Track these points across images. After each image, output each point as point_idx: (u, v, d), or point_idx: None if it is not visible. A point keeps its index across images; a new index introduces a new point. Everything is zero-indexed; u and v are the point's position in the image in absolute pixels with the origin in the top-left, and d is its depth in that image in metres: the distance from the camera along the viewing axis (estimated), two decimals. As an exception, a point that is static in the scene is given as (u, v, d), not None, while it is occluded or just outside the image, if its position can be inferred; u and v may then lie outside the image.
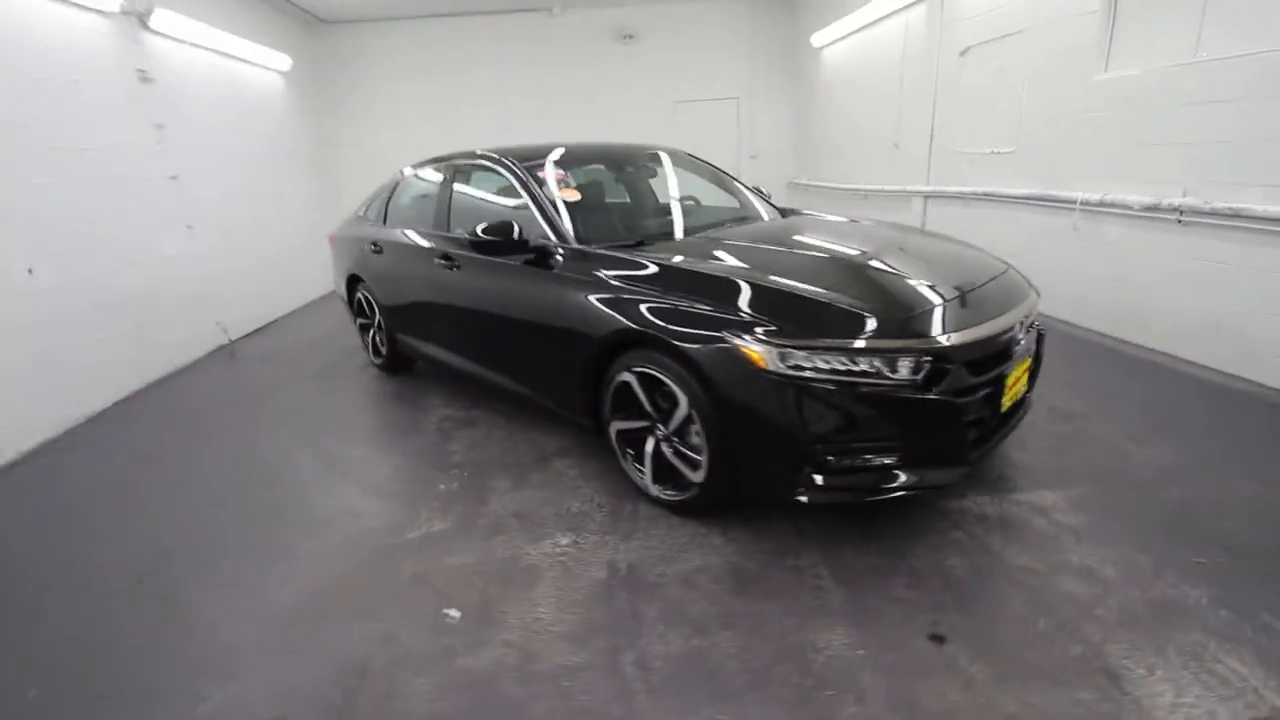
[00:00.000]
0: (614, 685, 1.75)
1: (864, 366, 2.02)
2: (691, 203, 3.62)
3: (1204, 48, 3.49)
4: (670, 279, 2.45)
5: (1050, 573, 2.08)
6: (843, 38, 7.75)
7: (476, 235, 2.91)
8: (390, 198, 4.30)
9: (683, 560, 2.26)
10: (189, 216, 5.37)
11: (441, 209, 3.66)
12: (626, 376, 2.50)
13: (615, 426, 2.66)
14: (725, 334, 2.14)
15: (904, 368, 2.02)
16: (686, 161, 3.88)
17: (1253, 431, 2.92)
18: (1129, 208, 3.93)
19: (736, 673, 1.77)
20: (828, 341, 2.03)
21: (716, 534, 2.40)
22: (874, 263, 2.53)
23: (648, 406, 2.47)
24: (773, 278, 2.31)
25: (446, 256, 3.44)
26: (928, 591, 2.03)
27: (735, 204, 3.66)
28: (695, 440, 2.36)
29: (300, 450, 3.44)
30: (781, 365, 2.04)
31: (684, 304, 2.30)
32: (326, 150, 8.79)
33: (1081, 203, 4.27)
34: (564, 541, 2.43)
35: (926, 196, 6.25)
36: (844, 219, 3.51)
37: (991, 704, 1.62)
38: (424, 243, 3.69)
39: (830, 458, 2.07)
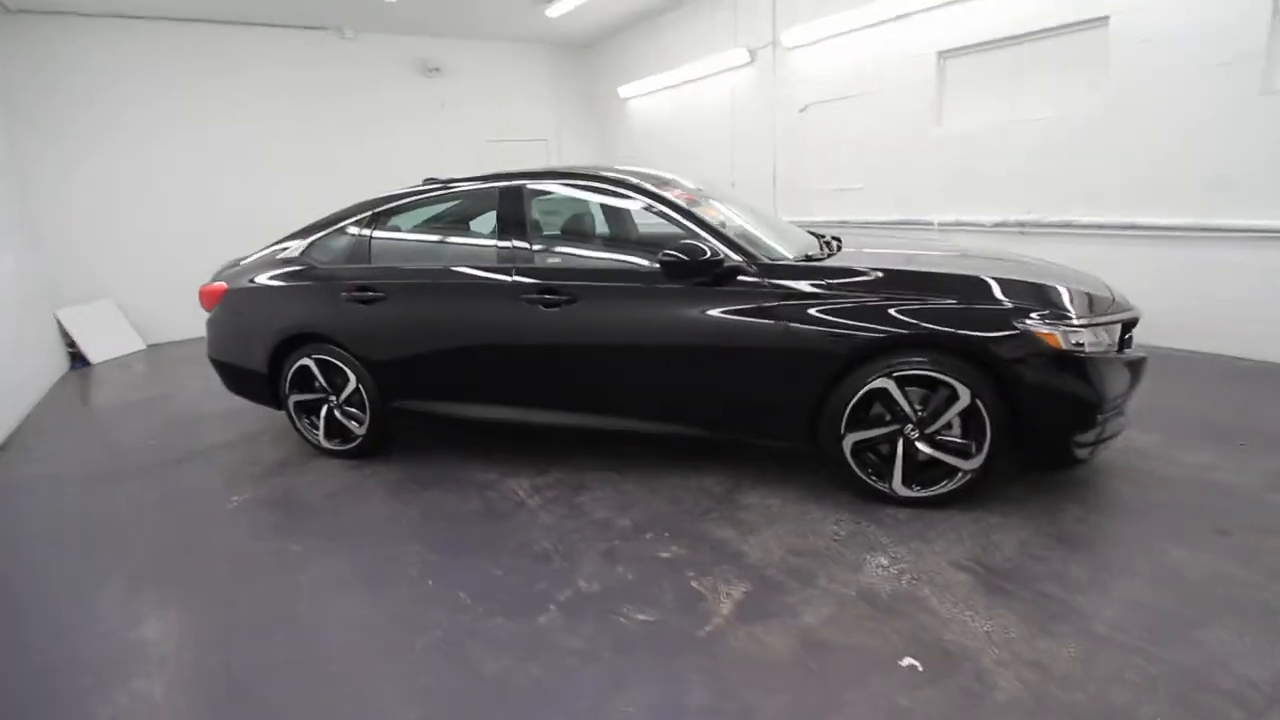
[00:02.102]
0: (1156, 639, 1.81)
1: (1107, 338, 2.46)
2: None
3: (1019, 112, 5.02)
4: (916, 283, 2.55)
5: (1201, 472, 2.78)
6: (654, 91, 8.56)
7: (670, 257, 2.57)
8: (371, 230, 3.32)
9: (999, 544, 2.35)
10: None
11: (515, 239, 3.01)
12: (881, 383, 2.50)
13: (851, 439, 2.61)
14: (1017, 323, 2.36)
15: (1119, 336, 2.54)
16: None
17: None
18: (981, 225, 5.33)
19: (1187, 593, 1.99)
20: (1099, 319, 2.43)
21: (983, 513, 2.54)
22: (1034, 260, 3.00)
23: (907, 408, 2.51)
24: (1016, 273, 2.61)
25: (548, 291, 2.86)
26: (1165, 506, 2.55)
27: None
28: (955, 431, 2.51)
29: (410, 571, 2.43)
30: (1069, 344, 2.36)
31: (953, 303, 2.44)
32: (22, 187, 6.05)
33: (939, 224, 5.62)
34: (884, 561, 2.30)
35: (773, 227, 7.29)
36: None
37: (1307, 557, 2.18)
38: (491, 279, 2.99)
39: (1100, 416, 2.45)
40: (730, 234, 2.75)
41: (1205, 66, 3.98)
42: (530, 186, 3.08)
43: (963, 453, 2.50)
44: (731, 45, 7.16)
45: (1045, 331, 2.34)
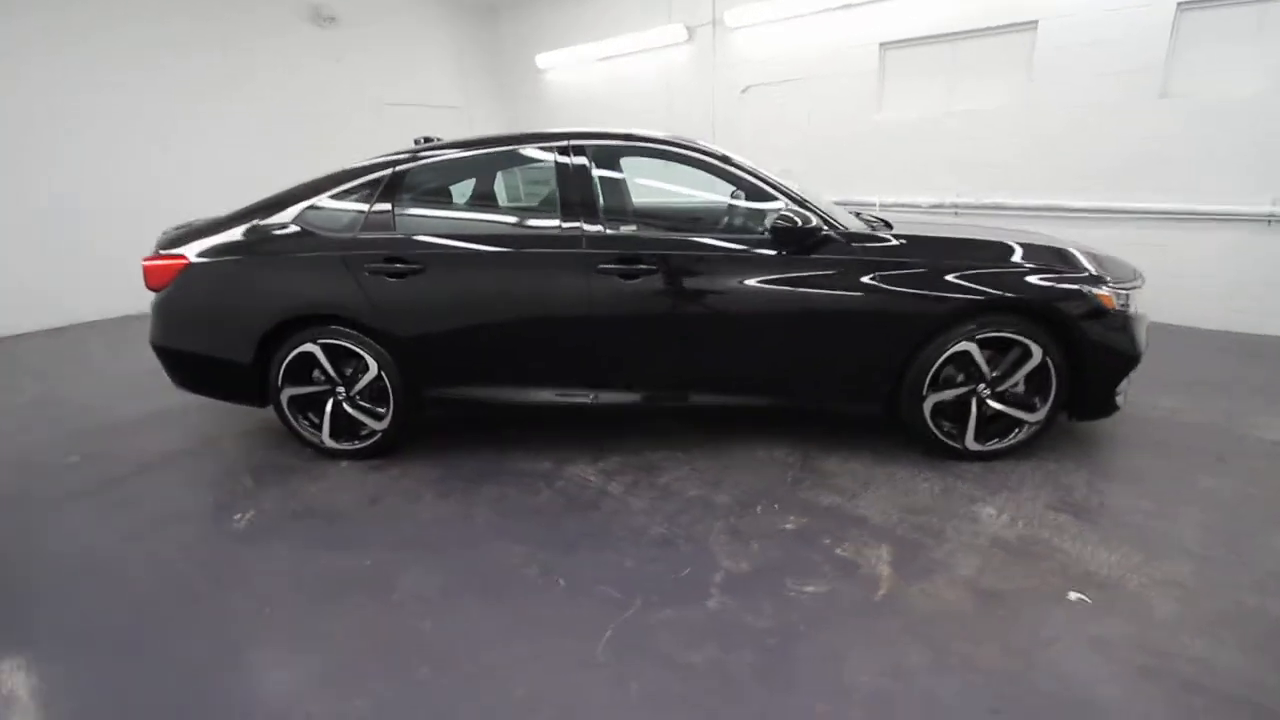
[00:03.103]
0: (1238, 550, 2.11)
1: (1134, 300, 2.82)
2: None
3: (954, 103, 5.53)
4: (994, 252, 2.73)
5: (1174, 414, 3.28)
6: (577, 64, 8.26)
7: (784, 223, 2.53)
8: (393, 194, 2.85)
9: (1071, 486, 2.62)
10: None
11: (582, 205, 2.75)
12: (965, 346, 2.65)
13: (932, 400, 2.74)
14: (1083, 288, 2.61)
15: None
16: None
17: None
18: (918, 206, 5.82)
19: (1231, 511, 2.36)
20: (1135, 283, 2.75)
21: (1041, 461, 2.81)
22: (1049, 235, 3.30)
23: (984, 369, 2.70)
24: (1056, 244, 2.85)
25: (628, 260, 2.67)
26: (1166, 442, 2.98)
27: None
28: (1020, 387, 2.74)
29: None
30: (1119, 305, 2.66)
31: (1023, 269, 2.64)
32: None
33: (880, 205, 6.04)
34: (991, 511, 2.46)
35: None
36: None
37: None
38: (561, 249, 2.73)
39: (1131, 370, 2.80)
40: (813, 203, 2.76)
41: (1117, 71, 4.66)
42: (593, 148, 2.84)
43: (1028, 407, 2.74)
44: (666, 20, 7.11)
45: (1103, 293, 2.63)
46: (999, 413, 2.76)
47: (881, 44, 5.76)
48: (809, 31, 6.15)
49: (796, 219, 2.57)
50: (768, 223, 2.62)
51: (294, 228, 2.88)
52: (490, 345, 2.84)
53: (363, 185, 2.90)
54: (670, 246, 2.73)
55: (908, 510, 2.50)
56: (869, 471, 2.80)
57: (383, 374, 2.87)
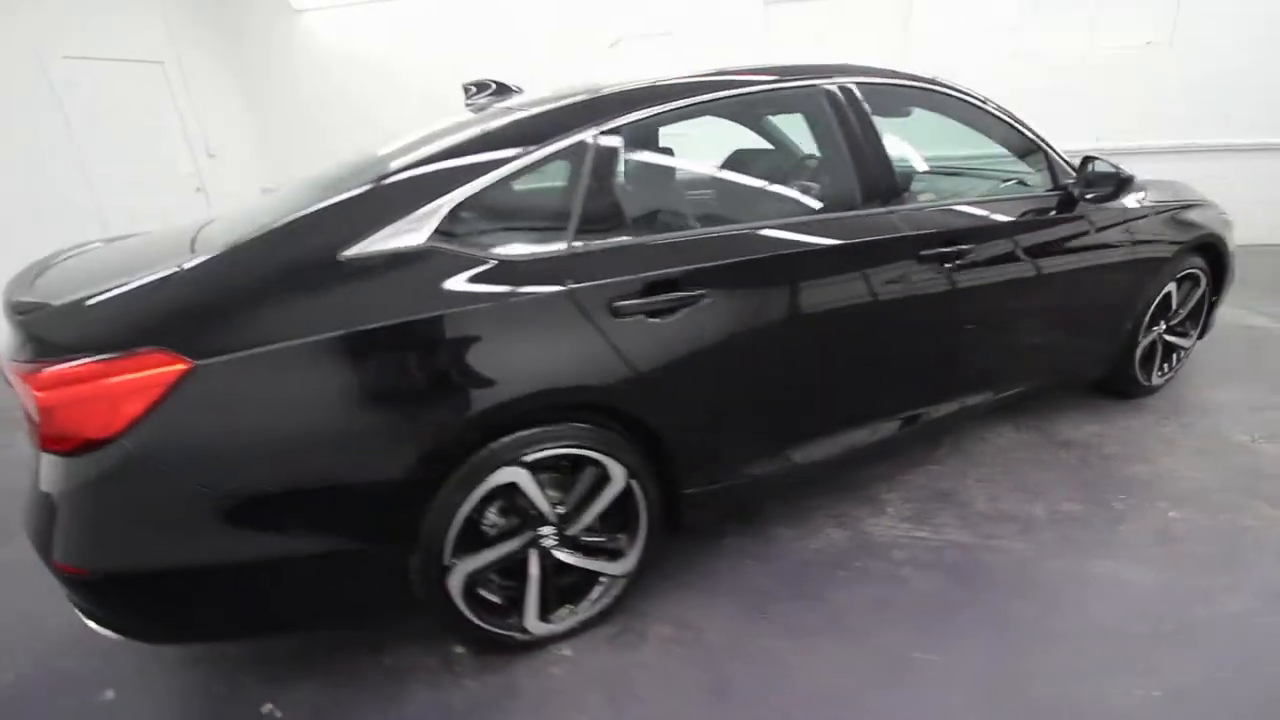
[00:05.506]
0: None
1: None
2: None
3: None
4: (1174, 190, 2.77)
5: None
6: (354, 3, 6.27)
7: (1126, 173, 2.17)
8: (610, 177, 1.59)
9: (1247, 396, 2.87)
10: None
11: (879, 170, 1.94)
12: (1169, 287, 2.68)
13: (1143, 345, 2.72)
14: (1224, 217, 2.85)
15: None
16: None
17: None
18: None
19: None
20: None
21: (1186, 382, 3.04)
22: None
23: (1176, 308, 2.77)
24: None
25: (950, 240, 1.99)
26: (1215, 344, 3.52)
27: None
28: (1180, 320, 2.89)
29: None
30: (1223, 232, 2.98)
31: (1196, 204, 2.75)
32: None
33: (778, 164, 5.98)
34: (1244, 439, 2.55)
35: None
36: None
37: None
38: (877, 237, 1.92)
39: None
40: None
41: (979, 30, 5.30)
42: (870, 88, 2.01)
43: (1186, 336, 2.93)
44: (491, -46, 5.80)
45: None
46: (1165, 344, 2.89)
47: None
48: (685, -21, 5.65)
49: (1112, 166, 2.24)
50: (1091, 170, 2.31)
51: (446, 252, 1.43)
52: (795, 391, 1.89)
53: (536, 165, 1.57)
54: (989, 218, 2.16)
55: (1205, 459, 2.43)
56: (1111, 431, 2.68)
57: (633, 482, 1.67)
